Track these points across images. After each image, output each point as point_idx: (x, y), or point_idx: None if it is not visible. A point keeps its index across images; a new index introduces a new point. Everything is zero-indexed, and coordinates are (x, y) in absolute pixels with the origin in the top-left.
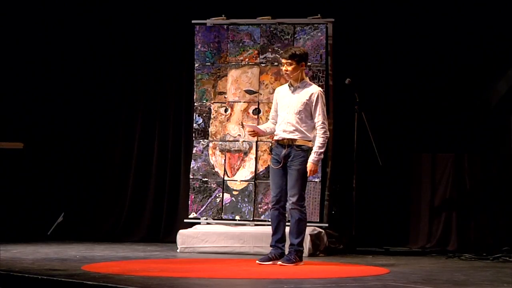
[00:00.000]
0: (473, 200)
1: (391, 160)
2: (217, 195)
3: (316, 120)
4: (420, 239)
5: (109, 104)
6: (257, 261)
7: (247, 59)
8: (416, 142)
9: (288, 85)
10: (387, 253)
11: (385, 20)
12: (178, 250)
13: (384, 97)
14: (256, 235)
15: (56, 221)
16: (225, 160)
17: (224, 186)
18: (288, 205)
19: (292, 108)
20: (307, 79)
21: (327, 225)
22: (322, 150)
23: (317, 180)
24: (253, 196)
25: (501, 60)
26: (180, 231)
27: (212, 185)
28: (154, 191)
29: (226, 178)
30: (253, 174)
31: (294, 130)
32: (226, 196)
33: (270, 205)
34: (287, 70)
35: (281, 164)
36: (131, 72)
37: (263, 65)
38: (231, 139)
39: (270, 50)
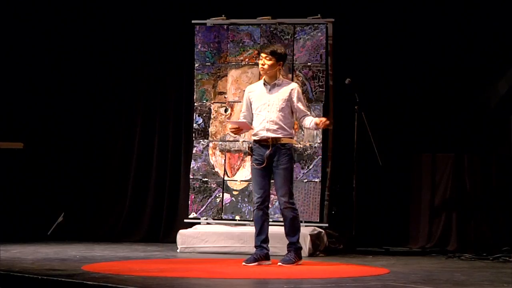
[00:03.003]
0: (473, 200)
1: (391, 160)
2: (217, 195)
3: (302, 113)
4: (420, 239)
5: (109, 104)
6: (243, 263)
7: (247, 59)
8: (416, 142)
9: (263, 83)
10: (387, 253)
11: (385, 20)
12: (178, 250)
13: (384, 97)
14: None
15: (56, 221)
16: (225, 160)
17: (224, 186)
18: (279, 205)
19: (274, 106)
20: (281, 78)
21: (327, 225)
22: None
23: (317, 180)
24: (253, 196)
25: (501, 60)
26: (180, 231)
27: (212, 185)
28: (154, 191)
29: (226, 178)
30: None
31: (278, 128)
32: (226, 196)
33: (254, 206)
34: (264, 65)
35: (265, 164)
36: (131, 72)
37: None
38: (231, 139)
39: None
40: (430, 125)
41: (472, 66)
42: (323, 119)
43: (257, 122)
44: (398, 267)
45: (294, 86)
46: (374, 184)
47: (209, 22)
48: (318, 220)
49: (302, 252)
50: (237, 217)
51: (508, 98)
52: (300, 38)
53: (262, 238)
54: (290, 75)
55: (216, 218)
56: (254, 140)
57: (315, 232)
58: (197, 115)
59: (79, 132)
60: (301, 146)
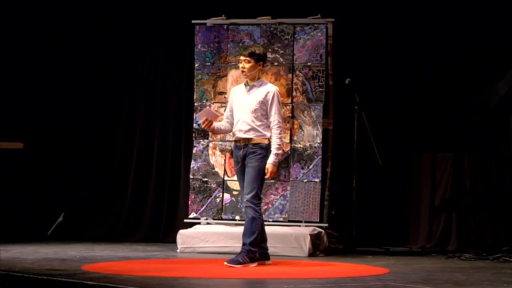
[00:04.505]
0: (473, 200)
1: (391, 160)
2: (217, 195)
3: (271, 119)
4: (420, 239)
5: (109, 104)
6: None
7: None
8: (416, 142)
9: (244, 84)
10: (387, 253)
11: (385, 20)
12: (178, 250)
13: (384, 97)
14: None
15: (56, 221)
16: (225, 160)
17: (224, 186)
18: (243, 203)
19: (248, 107)
20: (263, 79)
21: (327, 225)
22: (280, 151)
23: (317, 180)
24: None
25: (501, 60)
26: (180, 231)
27: (212, 185)
28: (154, 191)
29: (226, 178)
30: None
31: (249, 129)
32: (226, 196)
33: (243, 207)
34: (244, 67)
35: (240, 165)
36: (131, 72)
37: None
38: (231, 139)
39: (270, 50)
40: (430, 125)
41: (472, 66)
42: (269, 172)
43: (234, 123)
44: (398, 267)
45: (271, 89)
46: (374, 184)
47: (209, 22)
48: (318, 220)
49: (302, 252)
50: (237, 217)
51: (508, 98)
52: (300, 38)
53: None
54: (290, 75)
55: (216, 218)
56: (233, 141)
57: (315, 232)
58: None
59: (79, 132)
60: (301, 146)
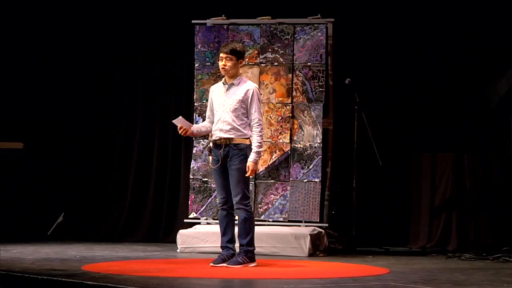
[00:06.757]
0: (473, 200)
1: (391, 160)
2: (217, 195)
3: (252, 117)
4: (420, 239)
5: (109, 104)
6: (211, 264)
7: (247, 59)
8: (416, 142)
9: (223, 82)
10: (387, 253)
11: (385, 20)
12: (178, 250)
13: (384, 97)
14: (256, 235)
15: (56, 221)
16: None
17: None
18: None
19: (228, 106)
20: (242, 76)
21: (327, 225)
22: (261, 149)
23: (317, 180)
24: (253, 196)
25: (501, 60)
26: (180, 231)
27: (212, 185)
28: (154, 191)
29: None
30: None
31: (230, 129)
32: None
33: (218, 206)
34: (225, 65)
35: (220, 163)
36: (131, 72)
37: (263, 65)
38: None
39: (270, 50)
40: (430, 125)
41: (472, 66)
42: (250, 170)
43: (215, 122)
44: (398, 267)
45: (251, 87)
46: (374, 184)
47: (209, 22)
48: (318, 220)
49: (302, 252)
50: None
51: (508, 98)
52: (300, 38)
53: (227, 238)
54: (290, 75)
55: (216, 218)
56: (212, 140)
57: (315, 232)
58: (197, 115)
59: (79, 132)
60: (301, 146)
